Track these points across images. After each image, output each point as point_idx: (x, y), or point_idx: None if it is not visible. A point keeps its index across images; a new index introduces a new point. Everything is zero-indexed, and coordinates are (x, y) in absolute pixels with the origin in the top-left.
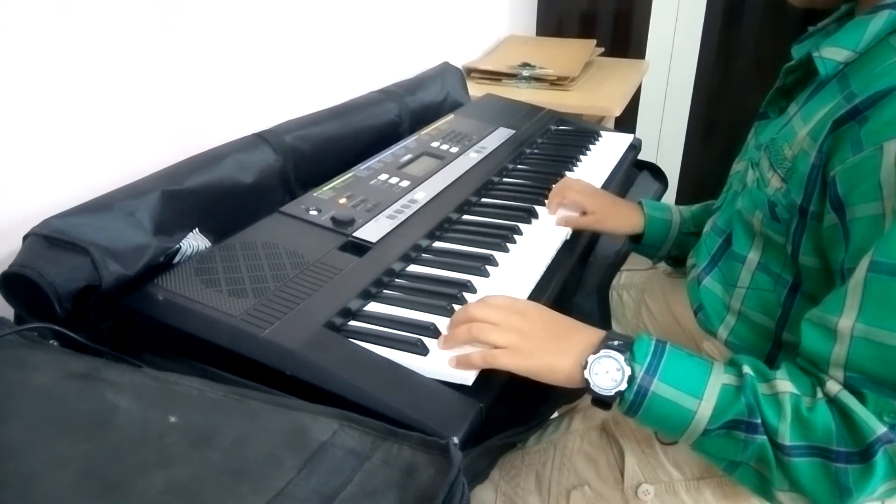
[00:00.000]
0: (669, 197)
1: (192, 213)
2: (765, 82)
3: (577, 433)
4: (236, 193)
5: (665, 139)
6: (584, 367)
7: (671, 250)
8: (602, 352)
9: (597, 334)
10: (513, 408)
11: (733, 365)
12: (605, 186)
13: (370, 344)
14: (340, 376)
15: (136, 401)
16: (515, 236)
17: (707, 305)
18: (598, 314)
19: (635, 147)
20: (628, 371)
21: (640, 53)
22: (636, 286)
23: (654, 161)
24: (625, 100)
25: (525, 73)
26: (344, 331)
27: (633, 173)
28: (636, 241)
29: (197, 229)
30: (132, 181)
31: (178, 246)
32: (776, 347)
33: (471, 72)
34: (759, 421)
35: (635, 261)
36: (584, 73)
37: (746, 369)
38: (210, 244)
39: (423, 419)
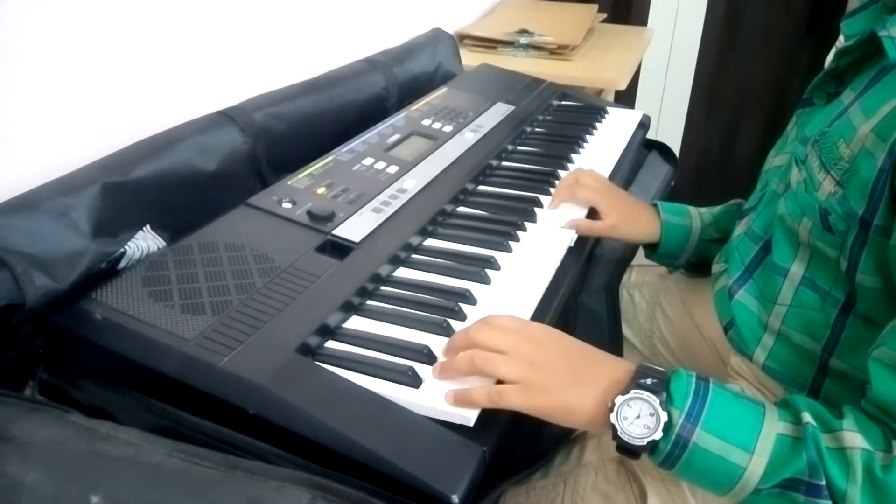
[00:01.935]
0: None
1: (140, 208)
2: (772, 54)
3: (590, 466)
4: (196, 183)
5: (666, 114)
6: (611, 410)
7: (690, 258)
8: (632, 392)
9: (623, 368)
10: (517, 438)
11: (788, 408)
12: (615, 171)
13: (352, 372)
14: (315, 417)
15: (50, 472)
16: (519, 233)
17: (740, 323)
18: (606, 316)
19: (644, 125)
20: (664, 417)
21: (642, 20)
22: (649, 285)
23: (653, 137)
24: (630, 71)
25: (523, 40)
26: (320, 355)
27: (642, 154)
28: (652, 249)
29: (147, 227)
30: (65, 173)
31: (122, 249)
32: (821, 374)
33: (463, 38)
34: (822, 483)
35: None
36: (586, 41)
37: (806, 417)
38: (164, 244)
39: (416, 471)
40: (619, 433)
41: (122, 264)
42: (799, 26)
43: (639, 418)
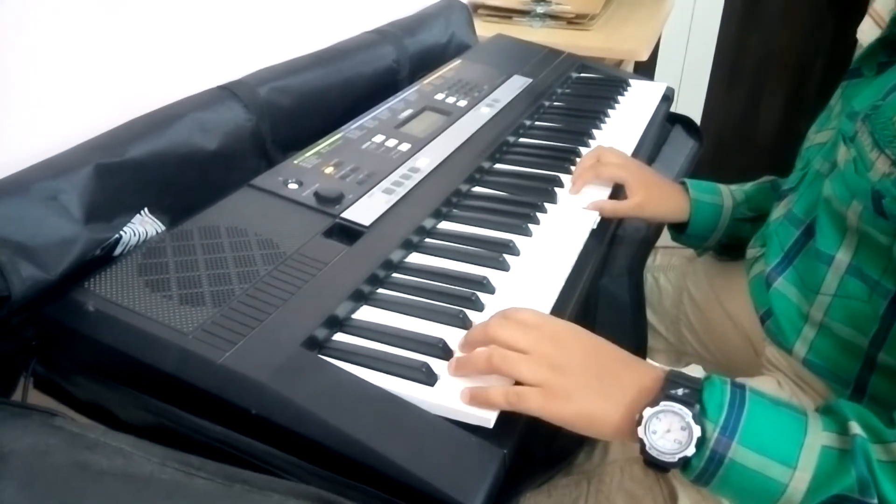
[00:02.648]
0: None
1: (137, 190)
2: (794, 26)
3: (615, 465)
4: (196, 163)
5: (686, 86)
6: (638, 423)
7: (721, 239)
8: (662, 404)
9: (652, 374)
10: (537, 437)
11: (833, 416)
12: (639, 147)
13: (362, 368)
14: (322, 419)
15: (28, 488)
16: (539, 215)
17: (779, 313)
18: (629, 300)
19: (668, 98)
20: (697, 432)
21: None
22: (676, 269)
23: (673, 109)
24: (652, 42)
25: (539, 9)
26: (328, 349)
27: (666, 129)
28: (680, 230)
29: (146, 210)
30: (55, 154)
31: (117, 235)
32: (867, 370)
33: (477, 8)
34: (874, 501)
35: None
36: (605, 10)
37: (854, 427)
38: (162, 228)
39: (431, 478)
40: (647, 448)
41: (117, 251)
42: None
43: (669, 432)
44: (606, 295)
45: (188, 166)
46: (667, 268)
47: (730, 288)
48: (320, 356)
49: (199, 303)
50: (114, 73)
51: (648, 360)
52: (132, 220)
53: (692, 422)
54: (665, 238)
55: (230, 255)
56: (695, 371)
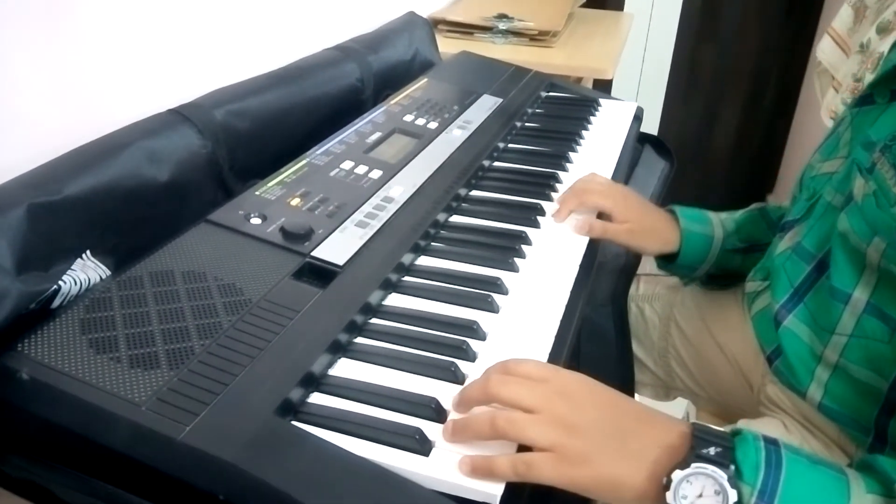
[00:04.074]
0: None
1: (77, 232)
2: (751, 39)
3: None
4: (145, 197)
5: (642, 102)
6: (666, 487)
7: (709, 270)
8: (694, 466)
9: (676, 429)
10: None
11: (874, 474)
12: (617, 170)
13: (344, 435)
14: (303, 503)
15: None
16: (524, 247)
17: (790, 353)
18: (613, 331)
19: (639, 118)
20: (734, 496)
21: (618, 5)
22: (661, 298)
23: None
24: (617, 58)
25: (502, 25)
26: (304, 414)
27: (637, 150)
28: (668, 260)
29: (87, 253)
30: None
31: (55, 286)
32: (885, 414)
33: (438, 24)
34: None
35: (653, 264)
36: (567, 26)
37: None
38: (108, 273)
39: None
40: None
41: (56, 303)
42: (779, 9)
43: (701, 497)
44: (589, 326)
45: (136, 201)
46: (651, 297)
47: (722, 320)
48: (295, 423)
49: (153, 365)
50: (46, 97)
51: (670, 415)
52: (73, 267)
53: (727, 485)
54: (647, 265)
55: (187, 305)
56: (681, 406)
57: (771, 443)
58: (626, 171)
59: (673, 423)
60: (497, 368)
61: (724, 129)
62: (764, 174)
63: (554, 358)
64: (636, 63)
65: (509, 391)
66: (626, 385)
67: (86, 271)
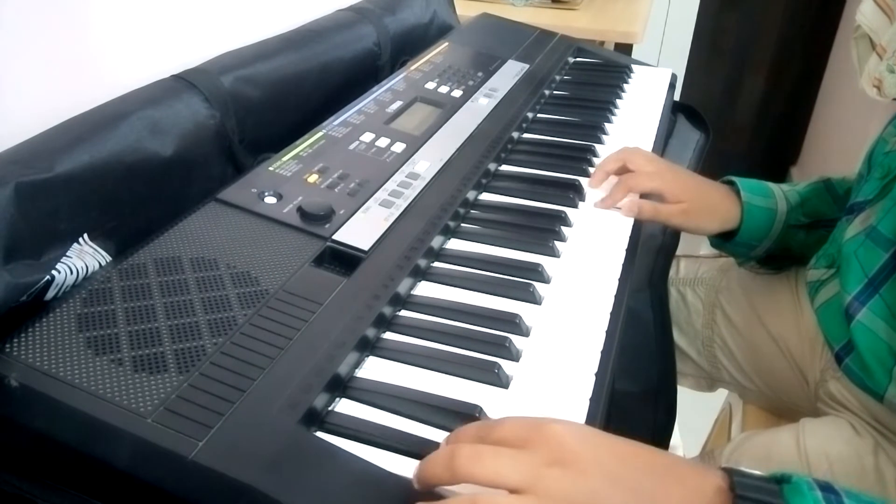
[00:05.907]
0: None
1: (72, 214)
2: (776, 5)
3: None
4: (148, 173)
5: (664, 66)
6: None
7: (770, 248)
8: None
9: (710, 482)
10: None
11: None
12: (657, 142)
13: (376, 449)
14: None
15: None
16: (564, 229)
17: (864, 351)
18: (653, 318)
19: (672, 86)
20: None
21: None
22: (705, 282)
23: None
24: (645, 22)
25: None
26: (330, 424)
27: (671, 121)
28: (724, 237)
29: (85, 237)
30: None
31: (48, 276)
32: None
33: None
34: None
35: (693, 244)
36: None
37: None
38: (108, 259)
39: None
40: None
41: (49, 294)
42: None
43: None
44: (626, 312)
45: (137, 178)
46: (694, 281)
47: (773, 307)
48: (320, 434)
49: (160, 368)
50: (34, 61)
51: (699, 463)
52: (68, 254)
53: None
54: (686, 245)
55: (197, 298)
56: (721, 396)
57: (829, 491)
58: (662, 143)
59: (705, 475)
60: (464, 435)
61: (748, 98)
62: (788, 146)
63: (605, 355)
64: (658, 29)
65: (484, 469)
66: (667, 378)
67: (83, 258)
